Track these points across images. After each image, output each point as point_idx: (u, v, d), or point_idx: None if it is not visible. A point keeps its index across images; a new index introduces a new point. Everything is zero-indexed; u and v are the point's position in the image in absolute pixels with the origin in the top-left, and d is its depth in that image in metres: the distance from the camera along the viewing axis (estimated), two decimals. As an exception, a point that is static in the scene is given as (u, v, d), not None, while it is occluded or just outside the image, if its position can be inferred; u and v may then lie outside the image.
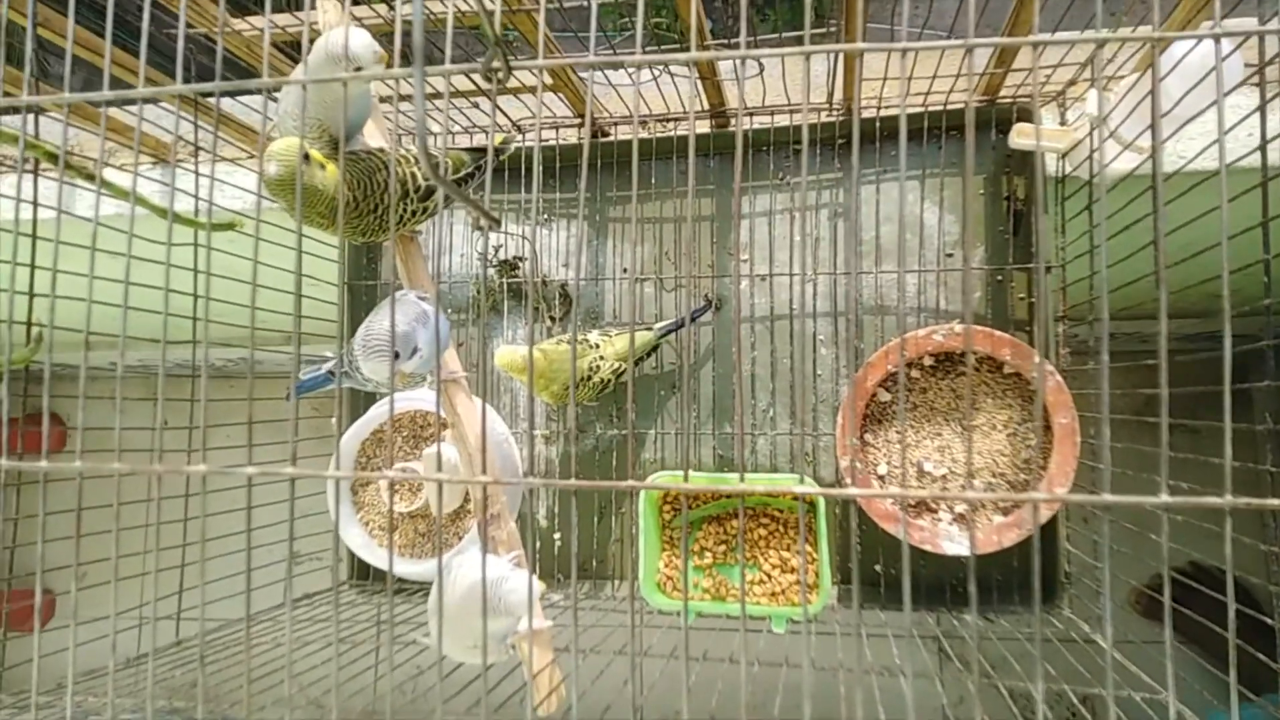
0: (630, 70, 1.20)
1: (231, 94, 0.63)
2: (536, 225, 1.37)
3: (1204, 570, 1.09)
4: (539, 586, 0.86)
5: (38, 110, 0.75)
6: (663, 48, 1.10)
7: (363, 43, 0.74)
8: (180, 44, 0.60)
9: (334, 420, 1.24)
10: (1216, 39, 0.43)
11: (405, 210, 0.87)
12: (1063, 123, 1.18)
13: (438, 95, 1.18)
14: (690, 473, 1.24)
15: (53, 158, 0.79)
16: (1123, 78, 1.08)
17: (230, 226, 1.00)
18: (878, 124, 1.24)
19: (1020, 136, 1.13)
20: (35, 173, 0.81)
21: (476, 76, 0.94)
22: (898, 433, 1.14)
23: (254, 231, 0.60)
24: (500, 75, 0.49)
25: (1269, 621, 0.86)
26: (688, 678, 0.51)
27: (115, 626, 0.58)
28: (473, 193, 1.03)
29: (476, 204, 0.43)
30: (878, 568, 1.24)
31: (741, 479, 0.52)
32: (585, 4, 1.07)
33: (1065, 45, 1.17)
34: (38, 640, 0.58)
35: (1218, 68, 0.43)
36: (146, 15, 0.57)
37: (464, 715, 0.87)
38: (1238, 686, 0.51)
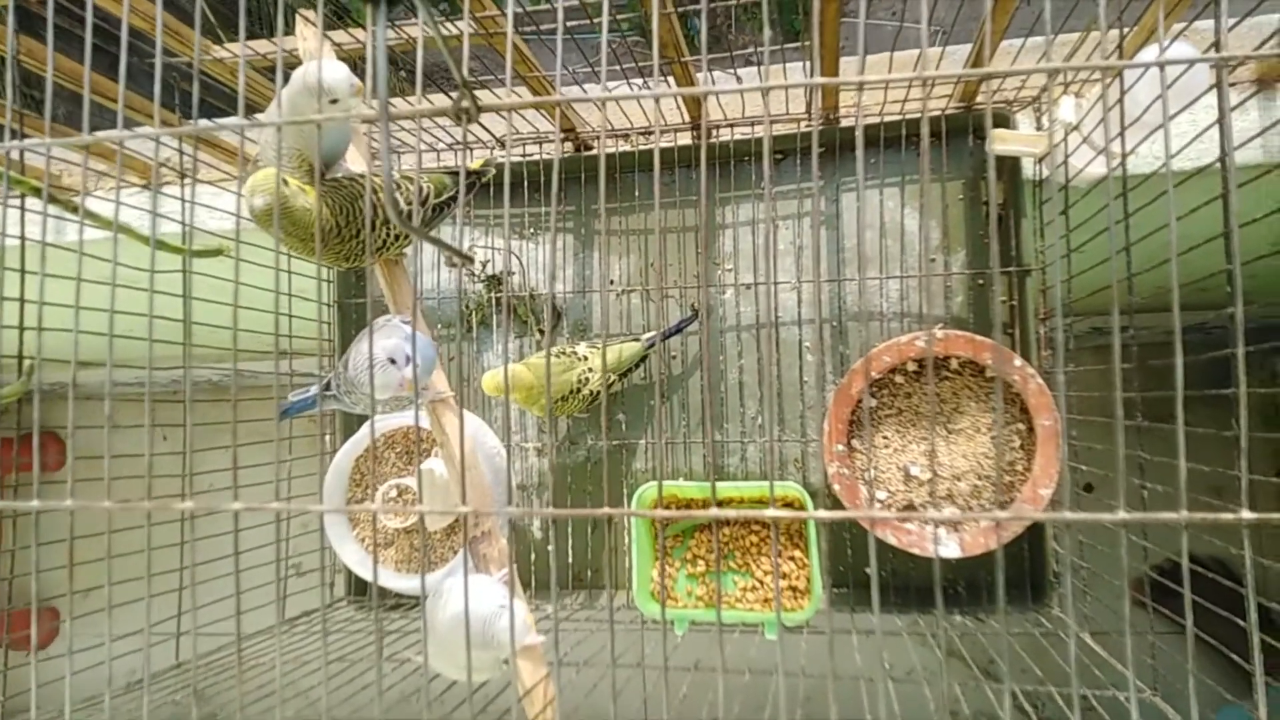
0: (605, 86, 1.21)
1: (240, 129, 0.65)
2: (523, 239, 1.38)
3: (1202, 561, 1.10)
4: (527, 616, 0.87)
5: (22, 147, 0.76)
6: (640, 64, 1.11)
7: (338, 76, 0.75)
8: (196, 82, 0.61)
9: (324, 439, 1.25)
10: (1161, 67, 0.44)
11: (388, 235, 0.89)
12: (1039, 127, 1.19)
13: (408, 117, 1.20)
14: (675, 484, 1.26)
15: (37, 191, 0.80)
16: (1097, 81, 1.10)
17: (218, 253, 1.01)
18: (857, 132, 1.25)
19: (998, 142, 1.14)
20: (22, 207, 0.82)
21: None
22: (884, 438, 1.15)
23: (239, 256, 0.61)
24: (469, 114, 0.50)
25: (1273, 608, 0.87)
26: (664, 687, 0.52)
27: (71, 664, 0.59)
28: (456, 218, 1.04)
29: (446, 245, 0.44)
30: (868, 570, 1.25)
31: (714, 501, 0.53)
32: (564, 24, 1.09)
33: (1039, 50, 1.19)
34: (4, 666, 0.59)
35: (1163, 95, 0.44)
36: (159, 54, 0.58)
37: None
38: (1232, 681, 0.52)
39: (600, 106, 0.48)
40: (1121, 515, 0.44)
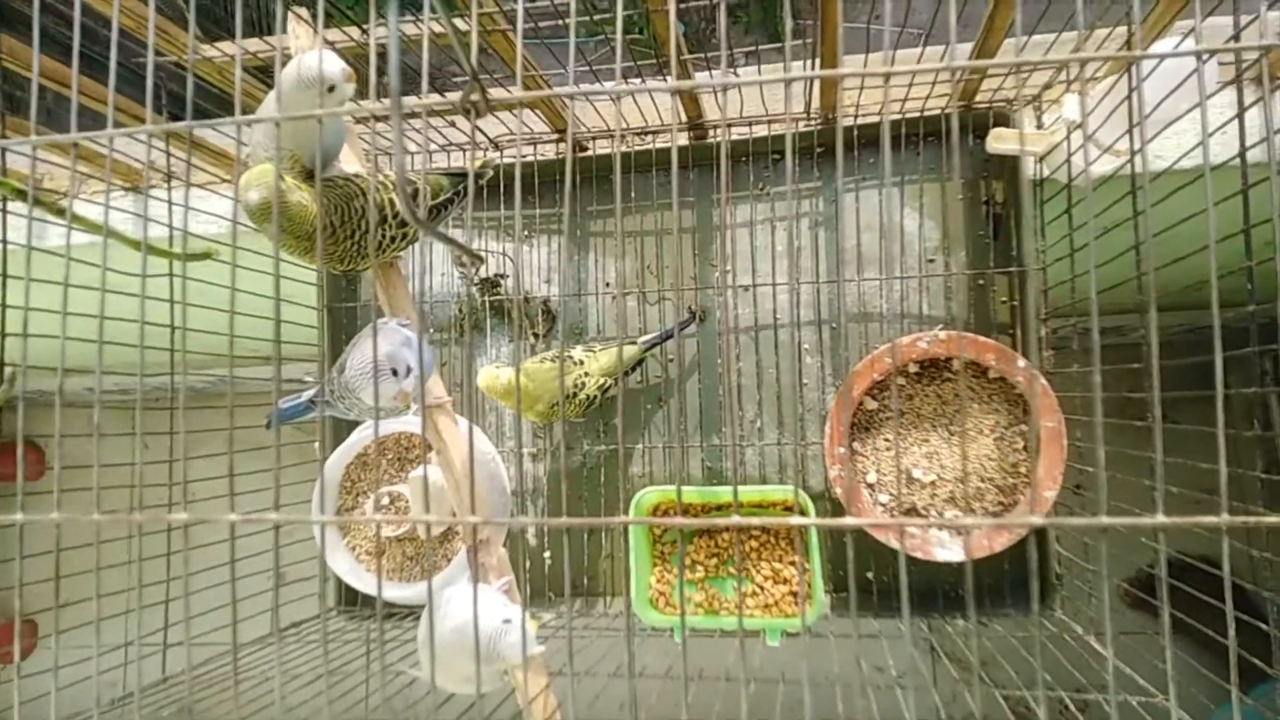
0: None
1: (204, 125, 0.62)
2: (517, 242, 1.36)
3: (1185, 566, 1.10)
4: (531, 630, 0.85)
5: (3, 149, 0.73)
6: (639, 63, 1.10)
7: (333, 65, 0.73)
8: (149, 75, 0.58)
9: (316, 445, 1.22)
10: (1198, 56, 0.43)
11: (384, 237, 0.86)
12: (1040, 126, 1.18)
13: (414, 115, 1.17)
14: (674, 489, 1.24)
15: (20, 194, 0.77)
16: (1100, 80, 1.09)
17: (206, 256, 0.98)
18: (856, 131, 1.24)
19: (998, 141, 1.13)
20: (4, 210, 0.79)
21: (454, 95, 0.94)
22: (886, 440, 1.14)
23: (231, 259, 0.59)
24: (478, 108, 0.48)
25: (1250, 616, 0.86)
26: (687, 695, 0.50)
27: (52, 679, 0.57)
28: (453, 221, 1.02)
29: (459, 244, 0.42)
30: (869, 575, 1.24)
31: (736, 506, 0.52)
32: (561, 23, 1.07)
33: (1042, 49, 1.18)
34: None
35: (1199, 83, 0.43)
36: (114, 50, 0.56)
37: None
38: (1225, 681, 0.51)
39: (615, 100, 0.46)
40: (1104, 520, 0.43)
